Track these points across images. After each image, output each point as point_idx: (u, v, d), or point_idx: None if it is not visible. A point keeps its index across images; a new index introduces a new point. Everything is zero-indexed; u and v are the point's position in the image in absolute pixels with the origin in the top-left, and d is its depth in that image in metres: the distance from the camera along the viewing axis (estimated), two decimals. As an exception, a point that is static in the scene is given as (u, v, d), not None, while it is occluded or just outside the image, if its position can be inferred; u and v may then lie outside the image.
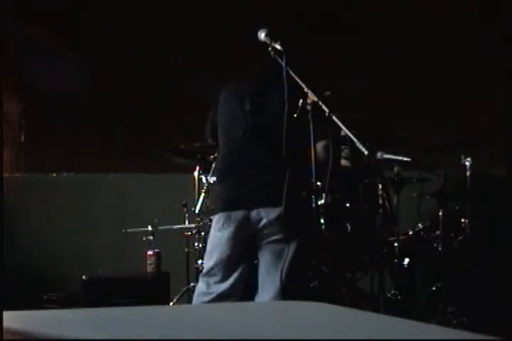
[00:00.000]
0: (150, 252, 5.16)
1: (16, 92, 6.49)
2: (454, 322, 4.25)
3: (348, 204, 4.25)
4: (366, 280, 4.30)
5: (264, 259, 3.64)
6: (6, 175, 6.14)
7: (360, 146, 3.23)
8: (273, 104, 3.64)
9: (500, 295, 4.31)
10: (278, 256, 3.59)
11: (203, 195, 4.77)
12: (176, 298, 4.92)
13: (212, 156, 4.64)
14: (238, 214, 3.63)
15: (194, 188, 4.96)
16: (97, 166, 6.32)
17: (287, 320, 1.88)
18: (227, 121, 3.80)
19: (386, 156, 4.46)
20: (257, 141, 3.66)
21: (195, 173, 4.97)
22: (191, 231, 4.99)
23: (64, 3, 6.39)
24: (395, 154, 4.50)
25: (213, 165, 4.56)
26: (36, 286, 5.79)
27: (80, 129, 6.33)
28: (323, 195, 4.03)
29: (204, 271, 3.77)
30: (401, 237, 4.47)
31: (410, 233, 4.63)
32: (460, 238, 4.53)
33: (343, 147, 4.07)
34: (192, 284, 4.80)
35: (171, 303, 4.88)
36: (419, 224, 4.66)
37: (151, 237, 5.16)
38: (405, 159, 4.48)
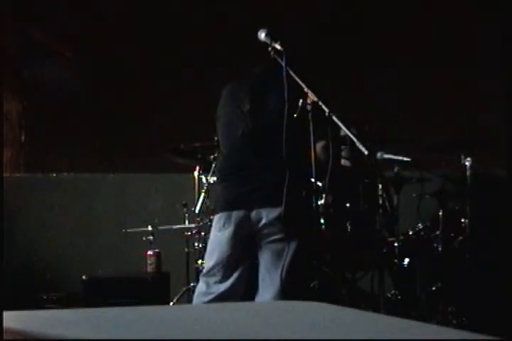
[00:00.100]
0: (150, 252, 5.16)
1: (16, 92, 6.48)
2: (454, 322, 4.25)
3: (348, 204, 4.26)
4: (366, 280, 4.29)
5: (264, 259, 3.64)
6: (6, 175, 6.13)
7: (360, 146, 3.23)
8: (273, 104, 3.63)
9: (500, 295, 4.32)
10: (278, 255, 3.59)
11: (203, 194, 4.77)
12: (176, 298, 4.92)
13: (212, 156, 4.64)
14: (238, 214, 3.63)
15: (194, 188, 4.96)
16: (97, 166, 6.32)
17: (287, 320, 1.88)
18: (227, 121, 3.80)
19: (386, 156, 4.47)
20: (257, 141, 3.66)
21: (195, 173, 4.96)
22: (191, 231, 4.98)
23: (64, 3, 6.38)
24: (395, 154, 4.51)
25: (213, 165, 4.56)
26: (36, 286, 5.80)
27: (80, 129, 6.32)
28: (323, 195, 4.04)
29: (204, 270, 3.77)
30: (401, 237, 4.47)
31: (410, 233, 4.63)
32: (460, 238, 4.53)
33: (343, 147, 4.06)
34: (192, 284, 4.80)
35: (171, 303, 4.88)
36: (419, 224, 4.67)
37: (151, 237, 5.16)
38: (405, 159, 4.49)
